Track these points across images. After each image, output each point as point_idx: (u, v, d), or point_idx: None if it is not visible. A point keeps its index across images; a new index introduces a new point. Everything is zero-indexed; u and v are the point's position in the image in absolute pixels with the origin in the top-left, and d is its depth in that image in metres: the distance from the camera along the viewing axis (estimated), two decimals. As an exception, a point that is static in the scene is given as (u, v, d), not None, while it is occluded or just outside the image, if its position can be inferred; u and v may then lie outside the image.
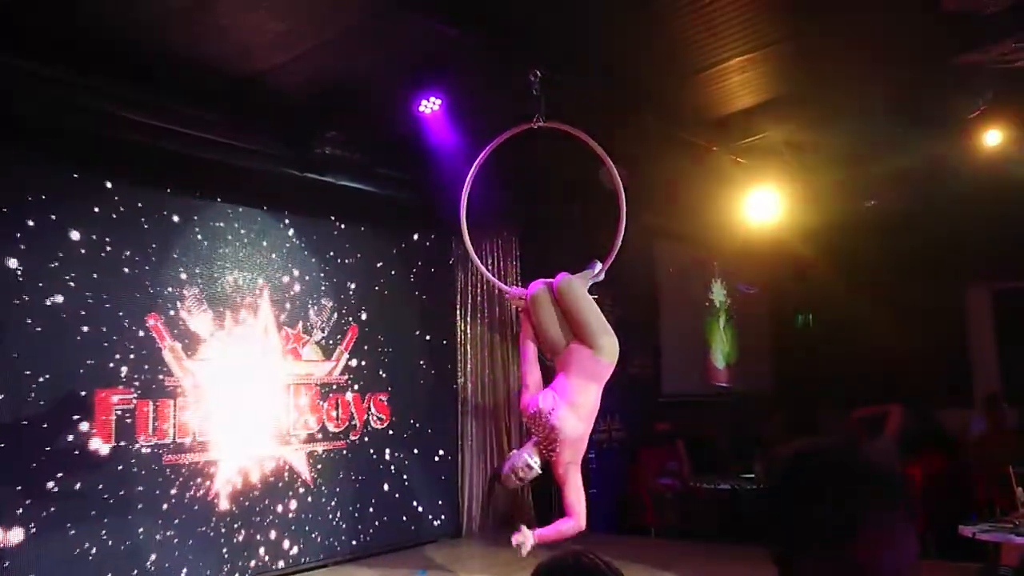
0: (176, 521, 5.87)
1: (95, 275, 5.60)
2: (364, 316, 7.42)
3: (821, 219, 9.07)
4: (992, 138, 6.74)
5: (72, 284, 5.48)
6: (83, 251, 5.57)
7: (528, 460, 4.62)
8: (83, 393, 5.47)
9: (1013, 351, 9.84)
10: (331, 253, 7.22)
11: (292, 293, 6.88)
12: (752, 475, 8.65)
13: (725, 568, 6.44)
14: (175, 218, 6.12)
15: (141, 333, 5.81)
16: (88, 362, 5.51)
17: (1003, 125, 6.71)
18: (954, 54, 5.70)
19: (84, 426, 5.45)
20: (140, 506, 5.68)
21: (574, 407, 4.58)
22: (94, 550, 5.40)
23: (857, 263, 9.98)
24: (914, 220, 9.32)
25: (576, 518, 4.55)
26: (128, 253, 5.81)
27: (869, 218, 9.31)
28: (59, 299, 5.41)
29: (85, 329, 5.52)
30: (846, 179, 8.16)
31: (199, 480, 6.05)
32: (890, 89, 6.35)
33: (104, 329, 5.61)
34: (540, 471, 4.68)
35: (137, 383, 5.75)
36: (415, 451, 7.73)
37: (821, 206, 8.70)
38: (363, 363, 7.37)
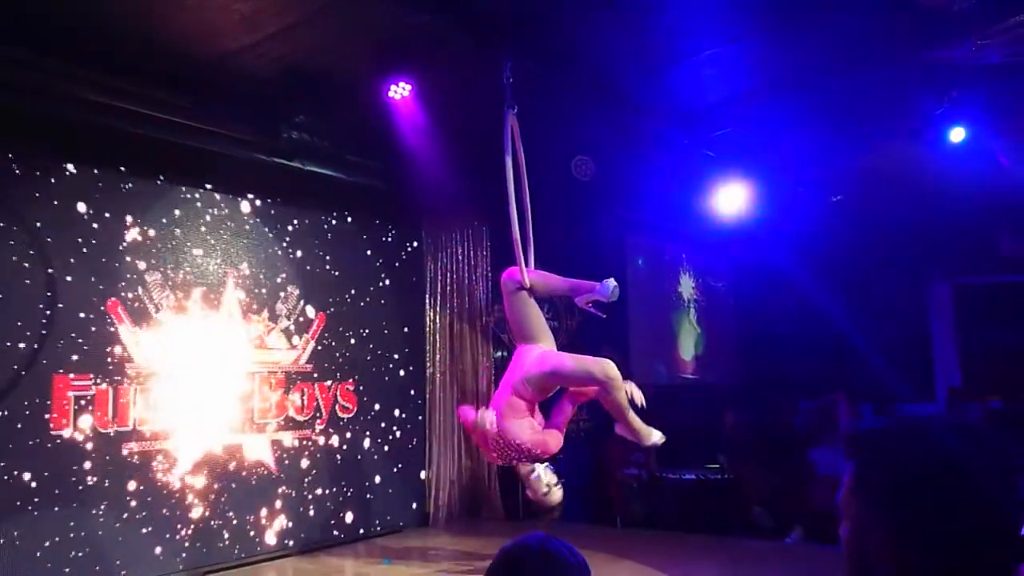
0: (135, 510, 5.77)
1: (54, 258, 5.48)
2: (331, 304, 7.35)
3: (788, 212, 9.16)
4: (957, 135, 6.83)
5: (30, 266, 5.36)
6: (42, 234, 5.44)
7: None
8: (40, 377, 5.35)
9: (972, 345, 10.04)
10: (298, 240, 7.13)
11: (258, 280, 6.79)
12: (717, 465, 8.76)
13: (688, 557, 6.50)
14: (139, 202, 6.00)
15: (101, 317, 5.70)
16: (45, 346, 5.39)
17: (968, 122, 6.80)
18: (921, 50, 5.76)
19: (40, 411, 5.33)
20: (98, 494, 5.57)
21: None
22: (50, 538, 5.29)
23: (822, 256, 10.10)
24: (878, 215, 9.45)
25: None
26: (89, 236, 5.69)
27: (835, 212, 9.41)
28: (17, 281, 5.28)
29: (44, 312, 5.40)
30: (812, 174, 8.26)
31: (160, 468, 5.95)
32: (858, 84, 6.41)
33: (63, 313, 5.49)
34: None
35: (96, 368, 5.63)
36: (381, 440, 7.69)
37: (788, 199, 8.79)
38: (330, 351, 7.30)
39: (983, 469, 1.10)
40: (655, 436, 4.97)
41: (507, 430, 4.88)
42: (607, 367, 4.74)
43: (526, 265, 5.06)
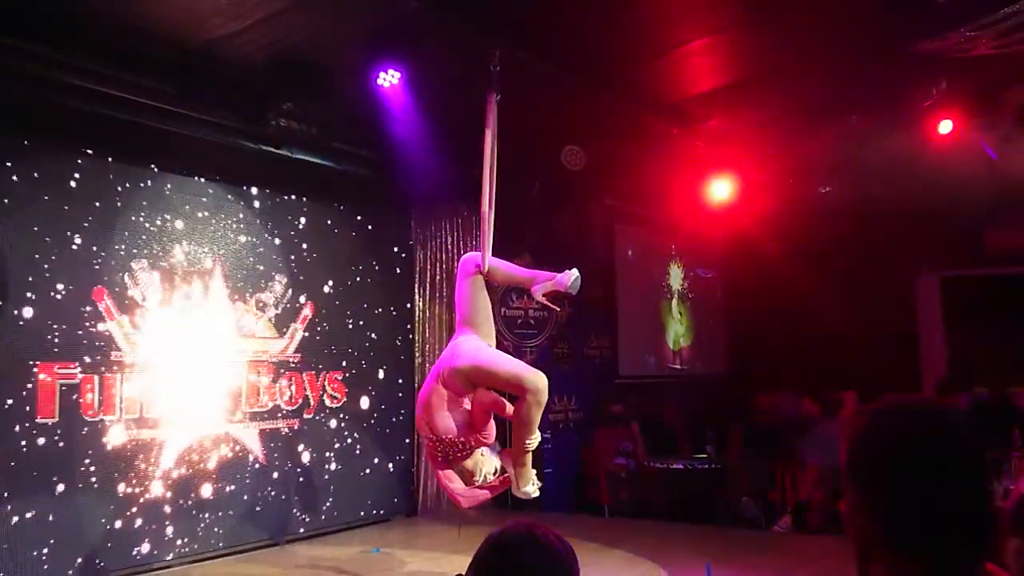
0: (121, 499, 5.74)
1: (40, 245, 5.43)
2: (320, 293, 7.32)
3: (776, 204, 9.18)
4: (945, 127, 6.85)
5: (16, 253, 5.29)
6: (28, 221, 5.38)
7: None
8: (25, 367, 5.30)
9: (959, 338, 10.11)
10: (286, 228, 7.09)
11: (246, 268, 6.75)
12: (704, 455, 8.81)
13: (675, 546, 6.52)
14: (125, 189, 5.94)
15: (87, 306, 5.65)
16: (31, 335, 5.34)
17: (956, 114, 6.81)
18: (910, 42, 5.76)
19: (26, 401, 5.29)
20: (84, 484, 5.54)
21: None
22: (35, 528, 5.25)
23: (811, 248, 10.13)
24: (867, 207, 9.48)
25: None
26: (75, 224, 5.63)
27: (823, 204, 9.44)
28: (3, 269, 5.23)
29: (29, 300, 5.35)
30: (801, 165, 8.26)
31: (146, 458, 5.92)
32: (846, 76, 6.42)
33: (48, 301, 5.44)
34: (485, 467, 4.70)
35: (82, 357, 5.59)
36: (369, 429, 7.67)
37: (776, 191, 8.81)
38: (318, 341, 7.27)
39: (967, 461, 1.12)
40: (531, 488, 4.60)
41: (435, 425, 4.52)
42: (539, 380, 4.33)
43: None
